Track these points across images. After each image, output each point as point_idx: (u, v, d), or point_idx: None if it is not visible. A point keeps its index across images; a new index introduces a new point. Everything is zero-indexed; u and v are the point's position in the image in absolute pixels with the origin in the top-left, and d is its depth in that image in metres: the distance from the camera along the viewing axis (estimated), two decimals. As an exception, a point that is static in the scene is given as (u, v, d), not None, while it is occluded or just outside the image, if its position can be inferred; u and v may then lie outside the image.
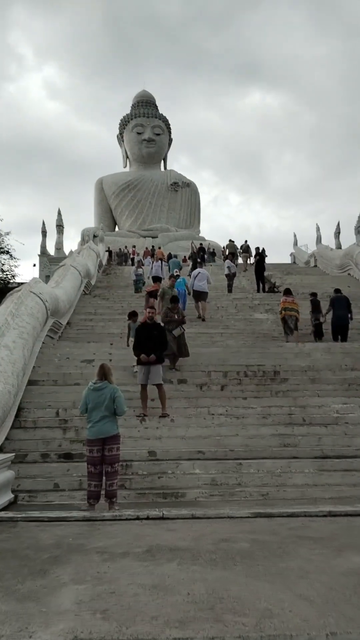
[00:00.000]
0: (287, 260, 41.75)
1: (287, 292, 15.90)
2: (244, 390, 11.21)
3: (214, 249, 41.73)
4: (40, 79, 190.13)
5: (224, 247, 34.33)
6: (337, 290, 16.12)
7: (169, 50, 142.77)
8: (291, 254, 42.56)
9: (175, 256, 28.04)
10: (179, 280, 17.39)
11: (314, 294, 16.57)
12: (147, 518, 6.47)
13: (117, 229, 56.41)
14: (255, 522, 6.20)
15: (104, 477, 7.16)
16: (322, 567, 4.47)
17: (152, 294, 15.59)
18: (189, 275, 19.62)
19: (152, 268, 22.04)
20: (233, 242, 30.41)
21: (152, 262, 22.95)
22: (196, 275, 17.12)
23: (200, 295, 16.99)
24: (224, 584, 4.11)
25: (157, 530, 5.95)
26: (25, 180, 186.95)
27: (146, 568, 4.55)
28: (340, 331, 14.75)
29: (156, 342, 10.09)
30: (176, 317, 12.27)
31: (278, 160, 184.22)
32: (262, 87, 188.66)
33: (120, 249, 38.21)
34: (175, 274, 19.42)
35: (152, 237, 48.37)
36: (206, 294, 17.22)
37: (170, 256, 27.97)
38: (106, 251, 33.97)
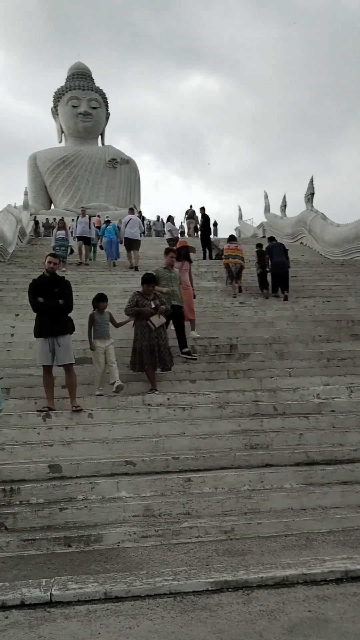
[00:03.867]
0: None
1: (231, 238, 14.75)
2: (191, 371, 8.32)
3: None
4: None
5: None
6: (272, 239, 15.23)
7: (108, 31, 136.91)
8: (236, 229, 39.69)
9: (109, 222, 24.20)
10: (108, 227, 15.29)
11: (259, 245, 15.25)
12: (21, 605, 3.48)
13: (52, 206, 52.38)
14: (222, 610, 3.31)
15: None
16: None
17: (180, 252, 9.88)
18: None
19: (76, 225, 16.99)
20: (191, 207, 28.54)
21: (78, 218, 18.26)
22: (127, 222, 14.94)
23: (132, 244, 15.47)
24: None
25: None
26: None
27: None
28: (281, 279, 13.53)
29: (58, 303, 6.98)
30: (152, 305, 7.87)
31: (218, 145, 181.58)
32: (203, 71, 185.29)
33: (47, 219, 34.31)
34: (106, 219, 16.92)
35: (90, 216, 44.80)
36: (139, 242, 15.74)
37: (108, 222, 24.05)
38: (32, 220, 29.78)
